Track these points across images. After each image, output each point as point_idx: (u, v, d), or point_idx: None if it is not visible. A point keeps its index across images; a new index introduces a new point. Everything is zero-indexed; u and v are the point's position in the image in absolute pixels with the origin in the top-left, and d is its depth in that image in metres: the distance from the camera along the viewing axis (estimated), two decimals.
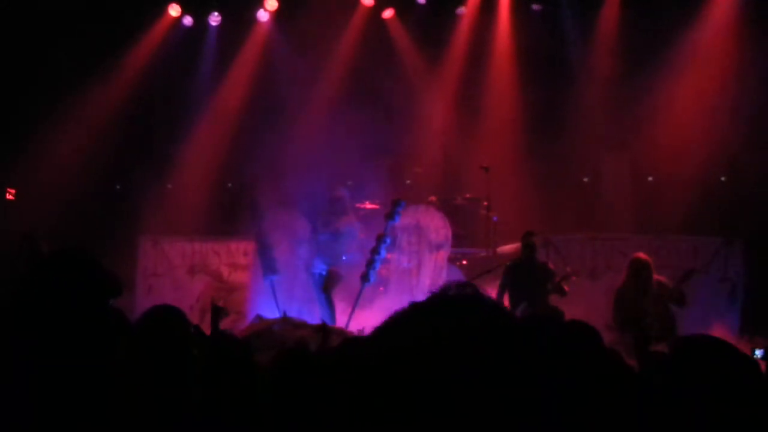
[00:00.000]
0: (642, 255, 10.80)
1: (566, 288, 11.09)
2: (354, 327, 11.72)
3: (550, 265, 11.65)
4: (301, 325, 11.03)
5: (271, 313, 12.01)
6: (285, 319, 11.28)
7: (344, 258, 12.25)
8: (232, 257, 13.27)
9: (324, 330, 8.40)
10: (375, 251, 11.96)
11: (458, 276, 12.74)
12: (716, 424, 2.54)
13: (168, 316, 4.06)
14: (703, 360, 2.70)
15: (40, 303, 3.02)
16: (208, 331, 7.76)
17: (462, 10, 14.93)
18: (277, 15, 15.15)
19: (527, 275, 11.21)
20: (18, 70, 13.80)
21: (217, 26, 15.30)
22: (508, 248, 12.78)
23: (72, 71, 14.14)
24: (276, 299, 12.28)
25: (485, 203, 12.97)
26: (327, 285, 12.11)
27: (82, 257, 3.24)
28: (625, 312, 10.52)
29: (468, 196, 13.65)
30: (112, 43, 14.90)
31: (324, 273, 12.18)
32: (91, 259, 3.25)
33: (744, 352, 2.77)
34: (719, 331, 11.02)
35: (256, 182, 12.53)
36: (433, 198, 13.65)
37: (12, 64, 13.79)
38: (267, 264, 12.33)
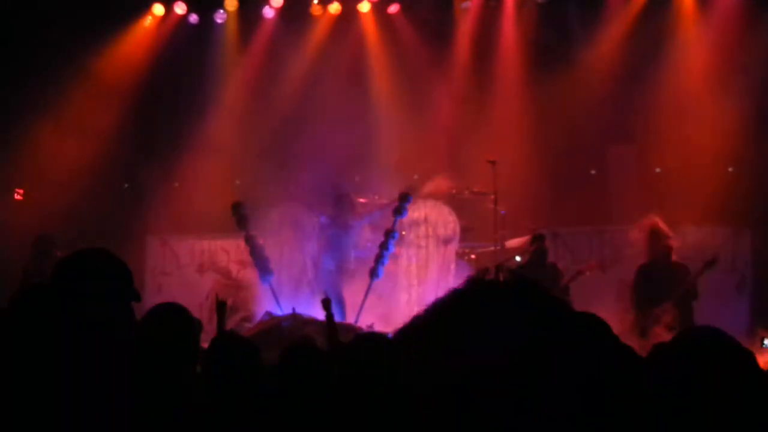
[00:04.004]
0: (657, 221, 10.95)
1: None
2: (363, 323, 11.73)
3: (560, 266, 11.69)
4: (310, 321, 11.04)
5: (280, 310, 12.03)
6: (294, 316, 11.29)
7: (353, 254, 12.26)
8: (241, 254, 13.28)
9: (327, 307, 8.26)
10: (383, 246, 11.97)
11: (466, 270, 12.75)
12: (715, 417, 2.56)
13: (171, 314, 4.07)
14: (703, 353, 2.71)
15: (61, 304, 3.02)
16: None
17: (467, 4, 14.91)
18: (282, 12, 15.14)
19: (536, 277, 11.21)
20: (22, 69, 13.81)
21: (223, 23, 15.30)
22: (516, 242, 12.77)
23: (78, 68, 14.18)
24: (277, 299, 12.28)
25: (493, 197, 12.95)
26: (337, 281, 12.11)
27: (107, 258, 3.23)
28: (647, 295, 10.67)
29: (475, 189, 13.64)
30: (117, 41, 14.95)
31: (333, 269, 12.19)
32: (118, 260, 3.24)
33: (741, 346, 2.79)
34: (728, 322, 11.02)
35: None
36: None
37: (17, 62, 13.80)
38: (261, 266, 12.32)
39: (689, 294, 10.70)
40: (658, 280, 10.85)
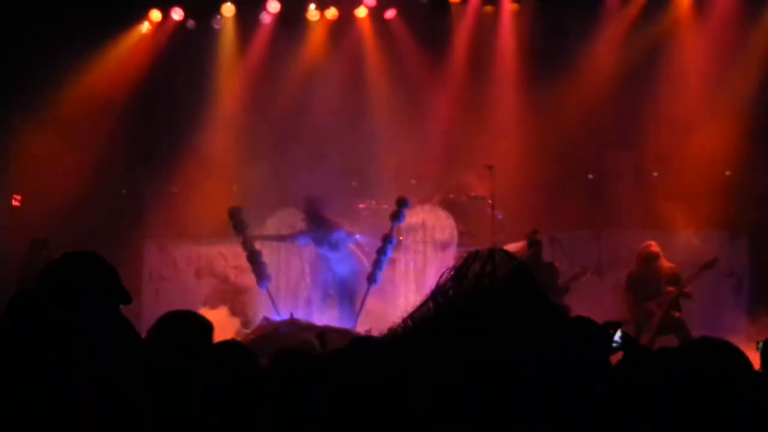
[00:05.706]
0: (652, 244, 11.15)
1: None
2: (361, 328, 11.72)
3: (556, 264, 11.73)
4: (308, 326, 11.02)
5: (277, 315, 12.02)
6: (292, 321, 11.27)
7: (356, 262, 12.20)
8: (239, 260, 13.25)
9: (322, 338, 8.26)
10: (381, 251, 11.93)
11: None
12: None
13: (189, 321, 4.03)
14: (711, 366, 2.73)
15: (50, 307, 3.02)
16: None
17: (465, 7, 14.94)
18: (279, 17, 15.14)
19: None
20: (20, 75, 13.80)
21: (220, 29, 15.30)
22: (513, 246, 12.76)
23: (75, 74, 14.20)
24: (274, 304, 12.26)
25: (490, 201, 12.97)
26: (352, 289, 12.07)
27: (94, 261, 3.23)
28: (640, 294, 10.89)
29: (473, 194, 13.64)
30: (114, 46, 14.97)
31: (347, 277, 12.12)
32: (104, 264, 3.24)
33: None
34: (726, 326, 11.10)
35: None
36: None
37: (13, 69, 13.79)
38: (259, 272, 12.29)
39: (683, 295, 10.91)
40: (647, 282, 11.06)
